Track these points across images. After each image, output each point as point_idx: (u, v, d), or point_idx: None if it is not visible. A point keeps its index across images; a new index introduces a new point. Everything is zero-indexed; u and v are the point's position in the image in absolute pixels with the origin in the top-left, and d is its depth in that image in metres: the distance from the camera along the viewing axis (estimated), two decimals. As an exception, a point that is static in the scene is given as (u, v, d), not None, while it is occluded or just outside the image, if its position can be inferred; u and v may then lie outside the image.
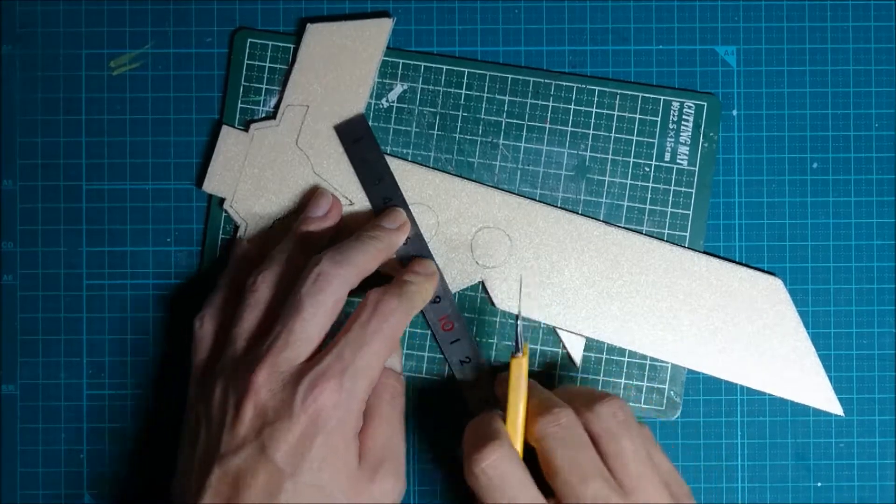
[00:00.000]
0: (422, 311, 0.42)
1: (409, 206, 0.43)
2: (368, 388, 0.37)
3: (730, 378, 0.43)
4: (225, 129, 0.43)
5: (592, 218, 0.44)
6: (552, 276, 0.43)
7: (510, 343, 0.44)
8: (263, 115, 0.44)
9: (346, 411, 0.36)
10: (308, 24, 0.43)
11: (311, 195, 0.42)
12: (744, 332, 0.43)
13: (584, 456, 0.37)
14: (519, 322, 0.39)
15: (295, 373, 0.36)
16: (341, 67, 0.43)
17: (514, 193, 0.44)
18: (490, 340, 0.44)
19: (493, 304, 0.44)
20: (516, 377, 0.38)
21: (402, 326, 0.38)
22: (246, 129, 0.44)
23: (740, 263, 0.44)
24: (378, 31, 0.43)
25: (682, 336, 0.43)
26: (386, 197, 0.43)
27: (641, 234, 0.44)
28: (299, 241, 0.41)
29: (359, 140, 0.43)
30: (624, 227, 0.44)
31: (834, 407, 0.43)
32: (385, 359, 0.37)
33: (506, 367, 0.42)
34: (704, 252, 0.44)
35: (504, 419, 0.38)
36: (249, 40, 0.44)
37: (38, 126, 0.44)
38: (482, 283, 0.44)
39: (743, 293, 0.43)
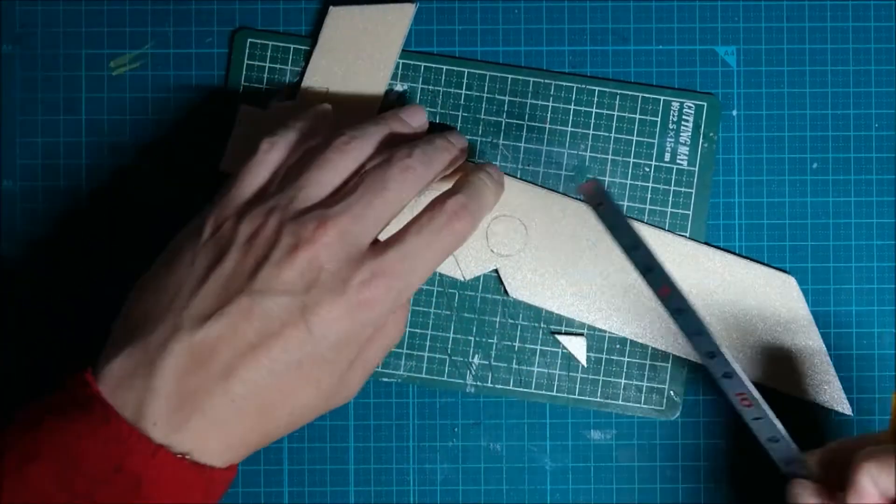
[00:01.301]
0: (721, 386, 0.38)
1: (670, 278, 0.37)
2: (414, 290, 0.36)
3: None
4: (243, 107, 0.43)
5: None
6: (567, 267, 0.43)
7: (510, 343, 0.44)
8: (263, 115, 0.44)
9: (387, 311, 0.35)
10: (330, 8, 0.43)
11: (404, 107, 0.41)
12: (755, 329, 0.43)
13: None
14: None
15: (362, 252, 0.34)
16: (362, 51, 0.43)
17: (531, 182, 0.44)
18: (490, 340, 0.44)
19: (506, 293, 0.44)
20: None
21: (463, 242, 0.37)
22: (264, 108, 0.44)
23: (755, 260, 0.44)
24: (400, 17, 0.43)
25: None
26: (645, 266, 0.37)
27: (656, 227, 0.44)
28: (391, 132, 0.39)
29: (599, 205, 0.39)
30: (638, 220, 0.44)
31: (843, 406, 0.43)
32: (437, 267, 0.36)
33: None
34: (720, 248, 0.44)
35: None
36: (249, 40, 0.44)
37: (38, 126, 0.44)
38: (496, 272, 0.44)
39: (756, 290, 0.43)
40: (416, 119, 0.41)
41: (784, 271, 0.44)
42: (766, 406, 0.37)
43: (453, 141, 0.40)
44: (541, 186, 0.44)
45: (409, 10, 0.44)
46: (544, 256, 0.43)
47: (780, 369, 0.43)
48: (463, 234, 0.36)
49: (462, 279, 0.44)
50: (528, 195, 0.43)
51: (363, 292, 0.34)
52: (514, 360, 0.44)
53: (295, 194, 0.35)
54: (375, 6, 0.43)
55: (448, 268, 0.44)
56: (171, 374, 0.32)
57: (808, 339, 0.43)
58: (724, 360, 0.37)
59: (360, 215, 0.35)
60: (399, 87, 0.44)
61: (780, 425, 0.37)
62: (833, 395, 0.43)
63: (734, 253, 0.44)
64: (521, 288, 0.43)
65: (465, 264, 0.44)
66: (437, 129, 0.43)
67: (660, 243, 0.43)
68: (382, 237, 0.36)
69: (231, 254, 0.34)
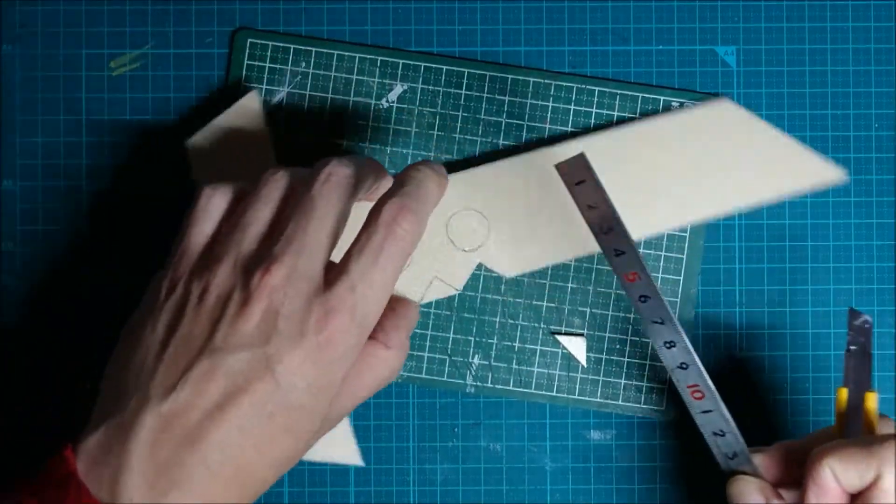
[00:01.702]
0: (673, 375, 0.38)
1: (642, 263, 0.37)
2: (378, 313, 0.35)
3: (734, 207, 0.43)
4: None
5: (535, 150, 0.44)
6: (535, 223, 0.43)
7: (510, 343, 0.44)
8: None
9: (354, 344, 0.34)
10: (186, 143, 0.43)
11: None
12: (724, 162, 0.43)
13: None
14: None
15: (310, 289, 0.33)
16: (239, 156, 0.43)
17: (461, 171, 0.43)
18: (490, 340, 0.44)
19: (504, 276, 0.44)
20: (875, 412, 0.36)
21: (417, 242, 0.35)
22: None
23: (679, 108, 0.44)
24: (250, 107, 0.43)
25: (673, 199, 0.43)
26: (617, 249, 0.37)
27: (584, 134, 0.44)
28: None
29: (580, 183, 0.37)
30: (568, 139, 0.44)
31: (833, 174, 0.42)
32: (397, 278, 0.35)
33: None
34: (644, 116, 0.44)
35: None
36: (249, 40, 0.44)
37: (38, 126, 0.44)
38: (481, 270, 0.44)
39: (702, 128, 0.43)
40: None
41: (714, 94, 0.44)
42: (718, 398, 0.37)
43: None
44: (465, 170, 0.43)
45: (255, 98, 0.43)
46: (514, 226, 0.43)
47: (760, 180, 0.43)
48: (410, 238, 0.34)
49: (457, 291, 0.44)
50: (461, 184, 0.43)
51: (321, 332, 0.33)
52: (514, 360, 0.44)
53: (238, 238, 0.34)
54: (222, 116, 0.43)
55: (439, 291, 0.44)
56: (143, 448, 0.32)
57: (770, 138, 0.43)
58: (685, 350, 0.37)
59: (301, 247, 0.33)
60: (399, 87, 0.44)
61: (730, 419, 0.37)
62: (817, 171, 0.43)
63: (659, 114, 0.44)
64: (511, 265, 0.43)
65: (450, 276, 0.43)
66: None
67: (599, 149, 0.43)
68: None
69: (187, 315, 0.33)
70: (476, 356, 0.44)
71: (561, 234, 0.43)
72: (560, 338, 0.44)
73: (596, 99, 0.44)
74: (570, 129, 0.44)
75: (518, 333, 0.44)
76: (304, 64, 0.44)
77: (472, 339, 0.44)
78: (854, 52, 0.44)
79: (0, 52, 0.45)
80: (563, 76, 0.44)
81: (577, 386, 0.44)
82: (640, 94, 0.44)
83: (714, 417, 0.37)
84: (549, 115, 0.44)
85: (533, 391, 0.44)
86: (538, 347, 0.44)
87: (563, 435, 0.44)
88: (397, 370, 0.37)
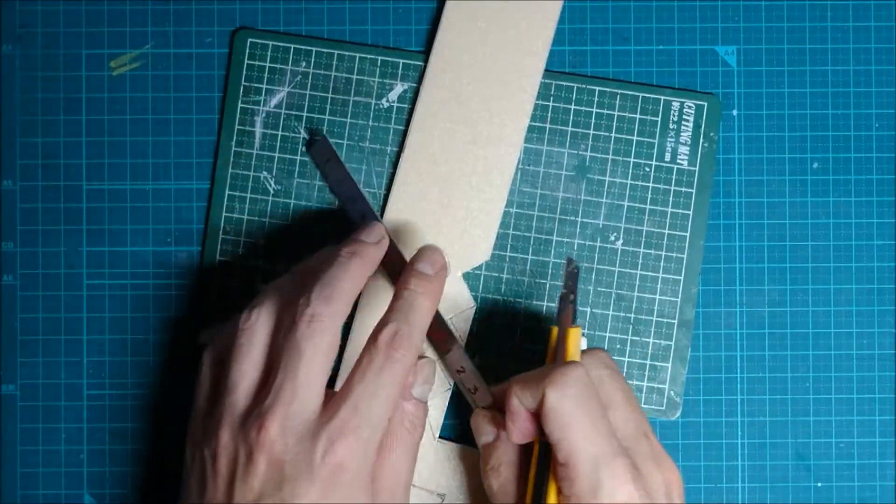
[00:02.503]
0: None
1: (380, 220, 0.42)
2: (384, 425, 0.36)
3: None
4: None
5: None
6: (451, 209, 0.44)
7: (511, 343, 0.44)
8: (263, 115, 0.44)
9: (364, 460, 0.36)
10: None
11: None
12: None
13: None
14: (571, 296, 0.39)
15: (310, 427, 0.35)
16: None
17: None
18: (490, 340, 0.44)
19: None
20: (575, 345, 0.38)
21: (414, 361, 0.37)
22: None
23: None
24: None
25: None
26: (364, 215, 0.43)
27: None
28: (302, 272, 0.40)
29: (328, 161, 0.43)
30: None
31: None
32: (399, 393, 0.37)
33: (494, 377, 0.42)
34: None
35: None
36: (249, 40, 0.44)
37: (38, 126, 0.44)
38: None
39: None
40: (373, 235, 0.40)
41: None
42: (457, 338, 0.42)
43: (366, 239, 0.40)
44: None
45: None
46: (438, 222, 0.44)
47: None
48: (407, 360, 0.37)
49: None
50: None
51: (329, 461, 0.35)
52: (515, 360, 0.44)
53: (231, 400, 0.37)
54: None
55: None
56: None
57: None
58: None
59: (291, 396, 0.35)
60: (399, 87, 0.44)
61: (467, 356, 0.42)
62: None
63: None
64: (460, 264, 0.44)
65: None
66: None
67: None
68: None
69: (208, 481, 0.36)
70: (476, 356, 0.44)
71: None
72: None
73: (596, 99, 0.44)
74: (570, 128, 0.44)
75: (518, 333, 0.44)
76: (304, 64, 0.44)
77: (473, 339, 0.44)
78: (854, 52, 0.44)
79: (0, 52, 0.45)
80: (563, 76, 0.44)
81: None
82: (641, 94, 0.44)
83: (455, 356, 0.42)
84: (549, 115, 0.44)
85: (533, 391, 0.44)
86: (538, 347, 0.44)
87: (563, 435, 0.44)
88: (414, 430, 0.39)
